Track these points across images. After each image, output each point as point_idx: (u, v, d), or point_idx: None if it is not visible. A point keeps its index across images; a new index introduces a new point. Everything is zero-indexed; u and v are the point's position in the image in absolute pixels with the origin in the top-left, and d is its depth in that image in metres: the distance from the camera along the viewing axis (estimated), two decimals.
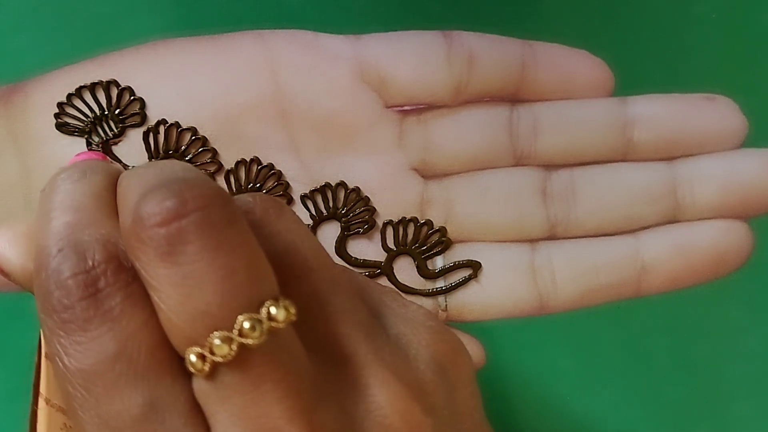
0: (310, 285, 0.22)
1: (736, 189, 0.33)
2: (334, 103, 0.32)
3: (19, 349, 0.32)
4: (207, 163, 0.32)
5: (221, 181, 0.32)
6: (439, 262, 0.33)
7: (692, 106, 0.33)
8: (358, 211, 0.32)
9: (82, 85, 0.32)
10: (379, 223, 0.32)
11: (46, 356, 0.22)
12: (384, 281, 0.32)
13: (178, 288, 0.19)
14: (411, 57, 0.33)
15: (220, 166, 0.32)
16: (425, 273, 0.32)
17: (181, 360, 0.20)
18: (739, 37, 0.34)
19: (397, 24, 0.33)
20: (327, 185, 0.32)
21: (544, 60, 0.33)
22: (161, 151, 0.32)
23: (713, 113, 0.33)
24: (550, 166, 0.33)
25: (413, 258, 0.32)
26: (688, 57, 0.34)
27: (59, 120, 0.32)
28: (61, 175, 0.22)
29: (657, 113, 0.33)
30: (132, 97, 0.32)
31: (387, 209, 0.32)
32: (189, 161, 0.32)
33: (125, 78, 0.33)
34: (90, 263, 0.20)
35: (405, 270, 0.32)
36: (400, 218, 0.32)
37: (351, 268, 0.32)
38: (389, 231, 0.32)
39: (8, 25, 0.33)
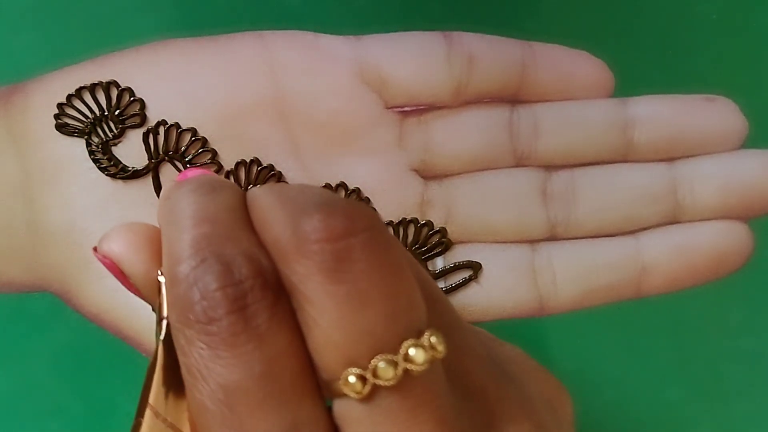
0: (438, 318, 0.21)
1: (736, 190, 0.33)
2: (335, 103, 0.32)
3: (20, 350, 0.32)
4: (207, 163, 0.32)
5: None
6: (439, 263, 0.33)
7: (692, 106, 0.33)
8: None
9: (82, 85, 0.32)
10: None
11: (163, 367, 0.21)
12: None
13: (342, 306, 0.19)
14: (411, 58, 0.33)
15: (220, 166, 0.32)
16: None
17: (318, 386, 0.20)
18: (739, 37, 0.34)
19: (397, 24, 0.33)
20: (327, 186, 0.32)
21: (544, 60, 0.33)
22: (161, 152, 0.32)
23: (713, 114, 0.33)
24: (551, 167, 0.33)
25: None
26: (688, 57, 0.34)
27: (59, 120, 0.32)
28: (188, 186, 0.22)
29: (657, 114, 0.33)
30: (132, 98, 0.32)
31: (387, 210, 0.32)
32: (189, 162, 0.32)
33: (125, 79, 0.32)
34: (237, 277, 0.19)
35: None
36: (401, 219, 0.32)
37: None
38: (389, 232, 0.32)
39: (8, 25, 0.33)
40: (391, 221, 0.32)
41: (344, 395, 0.20)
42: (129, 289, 0.22)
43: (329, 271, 0.19)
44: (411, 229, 0.32)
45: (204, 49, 0.33)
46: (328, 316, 0.19)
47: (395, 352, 0.19)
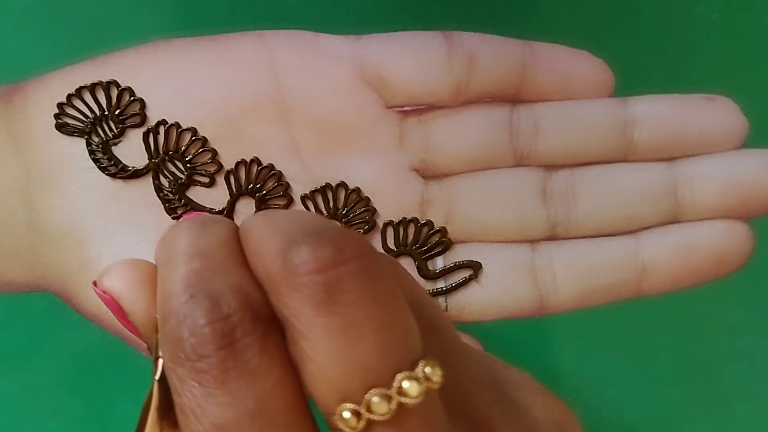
0: (439, 344, 0.21)
1: (736, 189, 0.33)
2: (335, 103, 0.32)
3: (20, 350, 0.32)
4: (207, 163, 0.32)
5: (221, 181, 0.32)
6: (439, 263, 0.33)
7: (692, 106, 0.33)
8: (358, 211, 0.32)
9: (82, 85, 0.32)
10: (380, 223, 0.32)
11: (157, 408, 0.21)
12: None
13: (335, 339, 0.19)
14: (411, 57, 0.33)
15: (221, 166, 0.32)
16: (426, 273, 0.32)
17: (312, 420, 0.20)
18: (739, 37, 0.34)
19: (397, 24, 0.33)
20: (327, 186, 0.32)
21: (545, 60, 0.33)
22: (161, 152, 0.32)
23: (713, 113, 0.33)
24: (551, 167, 0.33)
25: (414, 258, 0.32)
26: (688, 57, 0.34)
27: (59, 120, 0.32)
28: (182, 225, 0.21)
29: (657, 113, 0.33)
30: (132, 98, 0.32)
31: (387, 210, 0.32)
32: (189, 161, 0.32)
33: (125, 78, 0.33)
34: (226, 311, 0.19)
35: None
36: (401, 219, 0.32)
37: None
38: (390, 231, 0.32)
39: (8, 25, 0.33)
40: (391, 221, 0.32)
41: (341, 429, 0.19)
42: (126, 327, 0.22)
43: (320, 303, 0.19)
44: (411, 229, 0.32)
45: (204, 48, 0.33)
46: (322, 350, 0.19)
47: (389, 385, 0.19)
